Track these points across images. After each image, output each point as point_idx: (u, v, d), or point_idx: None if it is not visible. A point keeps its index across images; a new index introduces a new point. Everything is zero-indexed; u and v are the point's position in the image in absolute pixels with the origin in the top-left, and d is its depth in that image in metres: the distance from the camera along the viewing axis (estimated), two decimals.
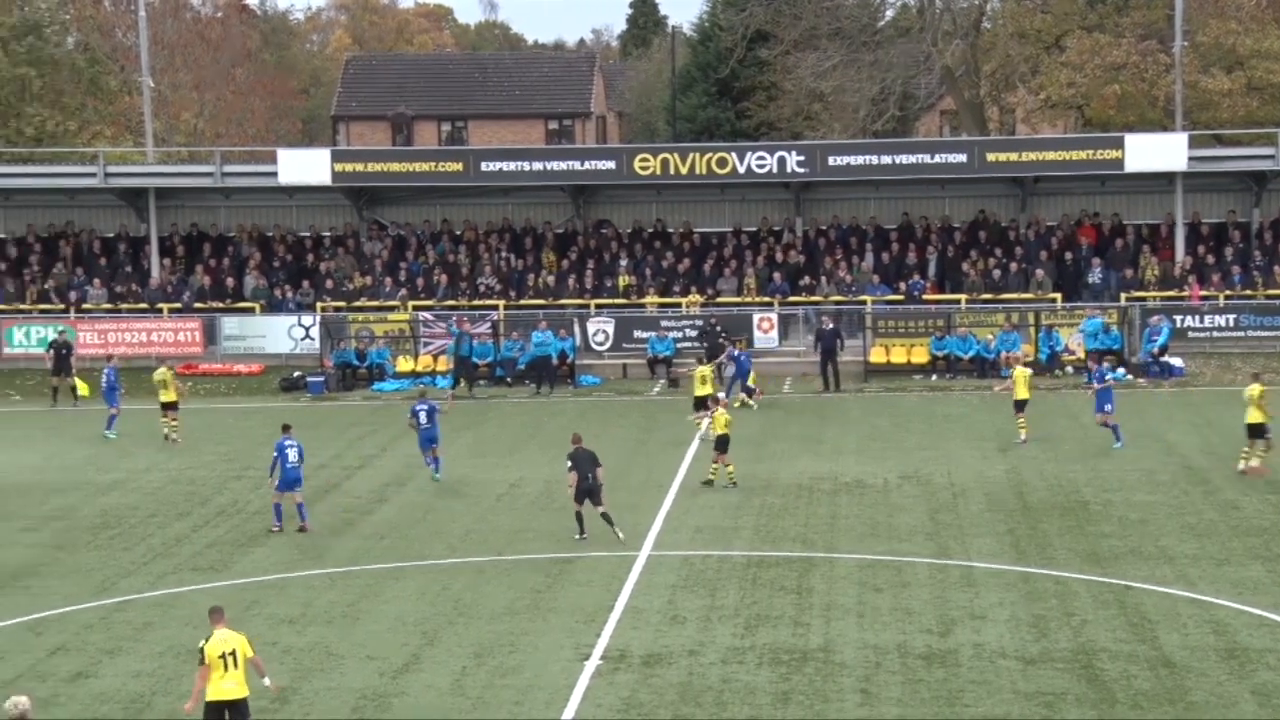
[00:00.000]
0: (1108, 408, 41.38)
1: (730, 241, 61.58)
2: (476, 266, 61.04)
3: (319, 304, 59.46)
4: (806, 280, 59.30)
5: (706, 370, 45.83)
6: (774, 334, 57.13)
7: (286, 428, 35.13)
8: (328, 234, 64.08)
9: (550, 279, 59.99)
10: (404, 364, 56.74)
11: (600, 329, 57.44)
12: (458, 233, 63.08)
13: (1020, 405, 42.72)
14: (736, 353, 50.43)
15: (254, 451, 44.12)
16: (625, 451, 42.76)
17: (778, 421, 47.15)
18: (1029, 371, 43.86)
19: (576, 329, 56.44)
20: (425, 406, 39.20)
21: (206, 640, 21.11)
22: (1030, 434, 42.49)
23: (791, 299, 58.46)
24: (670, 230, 62.40)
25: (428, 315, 58.01)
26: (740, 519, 34.91)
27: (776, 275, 59.31)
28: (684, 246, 61.43)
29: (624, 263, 60.60)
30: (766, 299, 58.54)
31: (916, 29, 77.03)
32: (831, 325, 53.06)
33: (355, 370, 56.09)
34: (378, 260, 61.94)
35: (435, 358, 56.54)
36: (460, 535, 34.18)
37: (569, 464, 33.52)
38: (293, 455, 34.41)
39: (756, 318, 57.42)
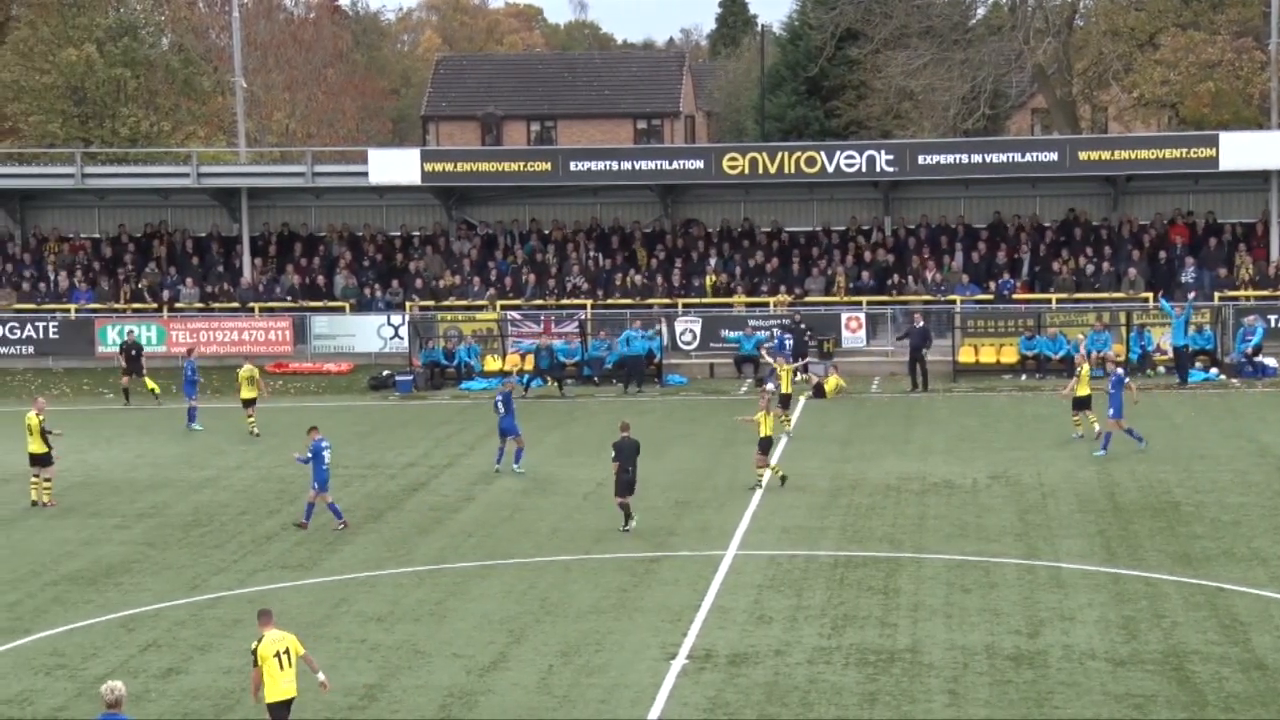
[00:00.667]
0: (1110, 411, 40.66)
1: (819, 241, 61.40)
2: (565, 266, 61.17)
3: (408, 303, 59.76)
4: (895, 280, 59.02)
5: (790, 368, 45.87)
6: (862, 333, 56.92)
7: (314, 429, 35.29)
8: (417, 233, 64.40)
9: (638, 278, 60.02)
10: (492, 363, 56.94)
11: (688, 328, 57.41)
12: (546, 232, 63.24)
13: (1079, 403, 42.24)
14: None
15: (342, 450, 44.31)
16: (712, 451, 42.75)
17: (865, 421, 46.97)
18: (1088, 368, 43.02)
19: (664, 328, 56.50)
20: (502, 396, 39.99)
21: (259, 642, 21.32)
22: (1085, 432, 42.04)
23: (880, 298, 58.20)
24: (758, 229, 62.28)
25: (516, 314, 58.20)
26: (827, 519, 34.79)
27: (865, 274, 59.06)
28: (772, 246, 61.30)
29: (712, 262, 60.52)
30: (855, 298, 58.31)
31: (1008, 27, 76.43)
32: (921, 324, 52.82)
33: (443, 369, 56.36)
34: (466, 260, 62.19)
35: (523, 356, 56.67)
36: (547, 534, 34.26)
37: (613, 453, 34.13)
38: (328, 456, 34.71)
39: (845, 317, 57.24)
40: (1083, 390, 42.09)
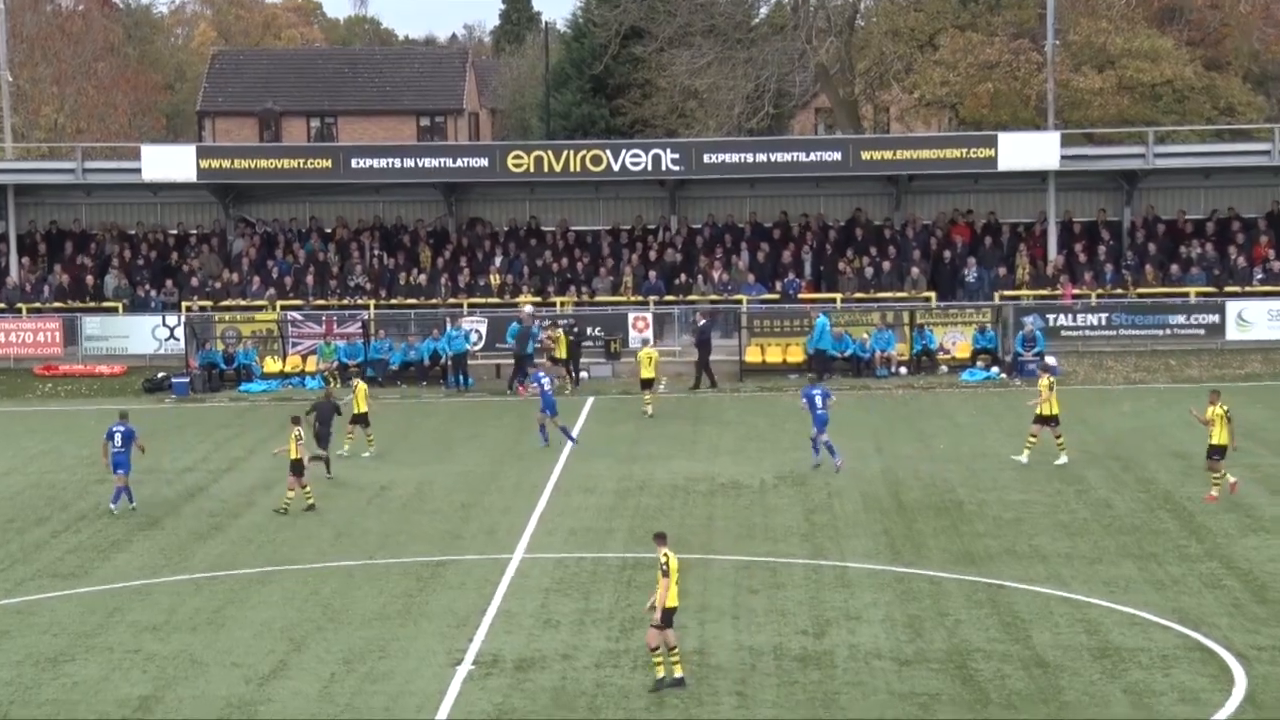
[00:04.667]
0: (546, 411, 42.03)
1: (606, 240, 61.23)
2: (346, 265, 60.23)
3: (184, 303, 58.41)
4: (683, 279, 59.04)
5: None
6: (649, 333, 56.80)
7: None
8: (194, 232, 63.00)
9: (422, 278, 59.31)
10: (271, 364, 55.87)
11: (473, 328, 56.84)
12: (327, 230, 62.25)
13: (647, 383, 45.92)
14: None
15: None
16: (499, 453, 42.36)
17: (653, 422, 46.77)
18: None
19: (449, 328, 55.90)
20: (121, 429, 35.95)
21: None
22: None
23: (667, 298, 58.19)
24: (545, 228, 61.92)
25: (296, 315, 57.18)
26: (615, 521, 34.58)
27: (652, 274, 59.00)
28: (559, 245, 60.97)
29: (498, 261, 60.04)
30: (641, 298, 58.22)
31: (790, 26, 77.03)
32: (704, 322, 52.99)
33: (221, 371, 55.11)
34: (245, 259, 60.95)
35: (304, 358, 55.76)
36: (330, 539, 33.60)
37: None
38: None
39: (631, 317, 57.11)
40: (648, 373, 45.36)
